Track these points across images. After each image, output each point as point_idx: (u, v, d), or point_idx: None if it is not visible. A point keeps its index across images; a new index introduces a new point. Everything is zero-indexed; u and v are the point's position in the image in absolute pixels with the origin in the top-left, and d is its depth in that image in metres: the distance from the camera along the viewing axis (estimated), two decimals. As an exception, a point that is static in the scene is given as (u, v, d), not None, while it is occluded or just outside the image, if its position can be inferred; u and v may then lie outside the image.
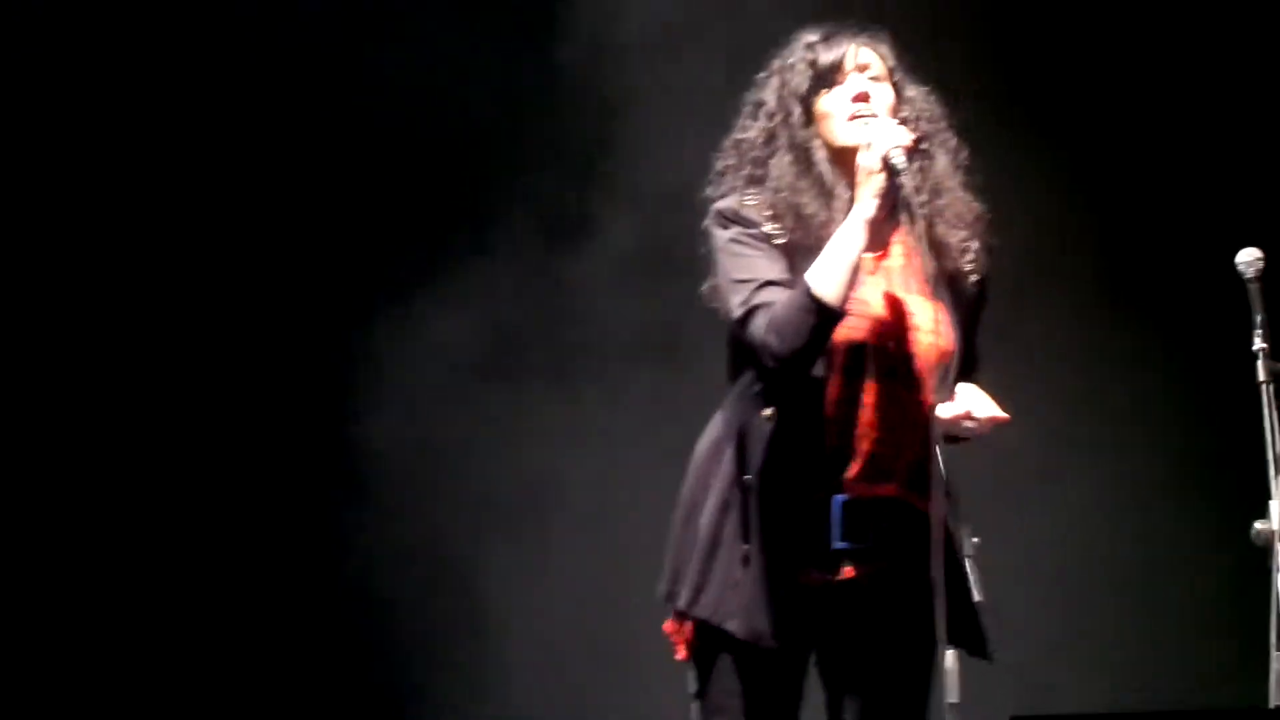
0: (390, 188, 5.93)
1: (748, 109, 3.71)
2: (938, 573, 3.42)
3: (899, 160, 3.46)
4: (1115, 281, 5.98)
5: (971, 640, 3.61)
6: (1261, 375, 3.91)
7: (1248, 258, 4.01)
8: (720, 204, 3.65)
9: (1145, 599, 5.88)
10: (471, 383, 5.89)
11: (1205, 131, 5.94)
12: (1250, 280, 3.98)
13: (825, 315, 3.46)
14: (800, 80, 3.63)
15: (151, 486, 5.86)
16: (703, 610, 3.60)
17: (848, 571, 3.61)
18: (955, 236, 3.66)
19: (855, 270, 3.48)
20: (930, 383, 3.59)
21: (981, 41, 5.87)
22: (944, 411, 3.54)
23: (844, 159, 3.59)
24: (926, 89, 3.73)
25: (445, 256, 5.89)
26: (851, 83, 3.61)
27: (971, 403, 3.56)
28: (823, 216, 3.56)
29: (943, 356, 3.61)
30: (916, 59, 3.76)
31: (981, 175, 3.74)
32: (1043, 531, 5.82)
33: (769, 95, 3.66)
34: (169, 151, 5.86)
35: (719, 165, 3.72)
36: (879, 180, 3.47)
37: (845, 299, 3.48)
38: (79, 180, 5.85)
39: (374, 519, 5.91)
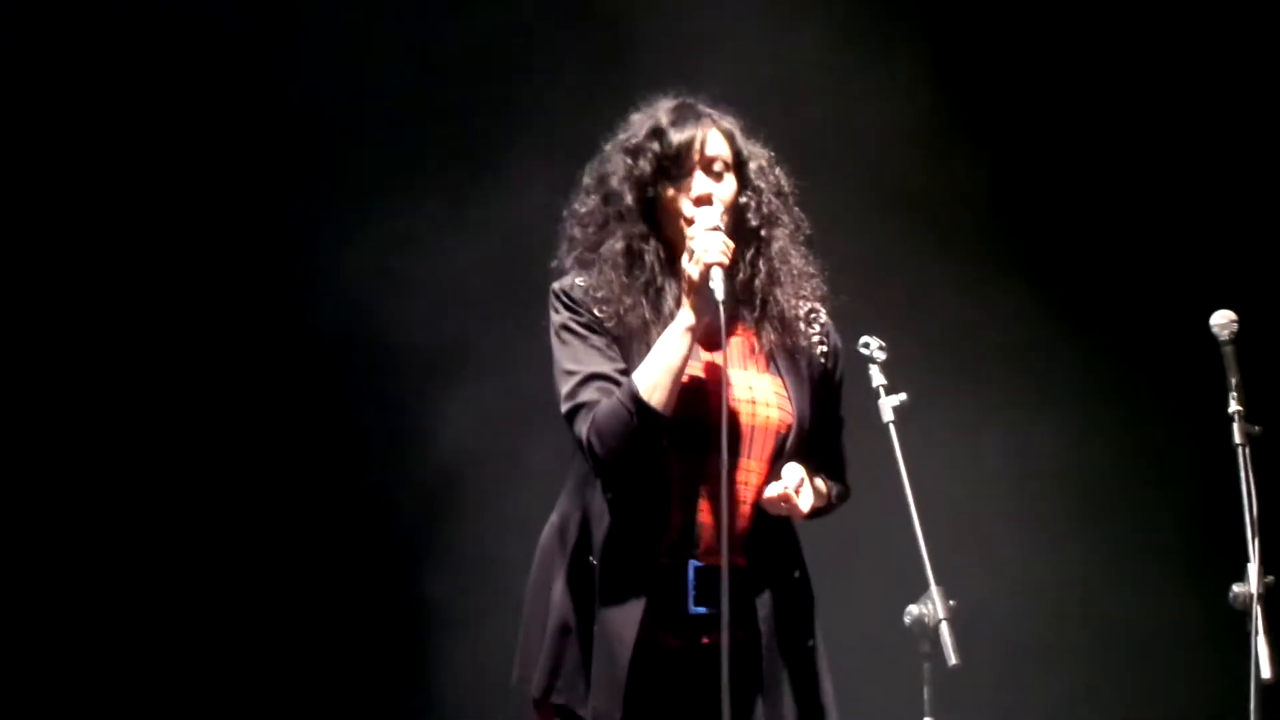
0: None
1: (592, 180, 3.73)
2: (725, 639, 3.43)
3: (717, 286, 3.50)
4: (1098, 343, 5.99)
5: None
6: (1237, 438, 3.90)
7: (1222, 320, 4.01)
8: (555, 284, 3.68)
9: (1127, 660, 5.87)
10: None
11: (1183, 199, 5.97)
12: (1224, 343, 3.98)
13: (647, 421, 3.49)
14: (645, 166, 3.64)
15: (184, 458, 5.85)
16: (558, 696, 3.60)
17: (708, 637, 3.57)
18: (795, 313, 3.69)
19: (679, 375, 3.51)
20: (771, 455, 3.63)
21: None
22: (767, 493, 3.58)
23: (677, 253, 3.62)
24: (771, 159, 3.75)
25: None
26: (696, 181, 3.63)
27: (790, 486, 3.58)
28: (647, 314, 3.60)
29: (783, 427, 3.64)
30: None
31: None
32: (1024, 590, 5.81)
33: (614, 175, 3.68)
34: (167, 124, 5.85)
35: (563, 232, 3.74)
36: (700, 293, 3.51)
37: (669, 404, 3.51)
38: (85, 179, 5.82)
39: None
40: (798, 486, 3.57)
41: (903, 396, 3.74)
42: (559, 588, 3.61)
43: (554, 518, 3.70)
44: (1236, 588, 3.83)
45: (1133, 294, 5.98)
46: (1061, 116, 6.00)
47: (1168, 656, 5.81)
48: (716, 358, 3.59)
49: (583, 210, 3.71)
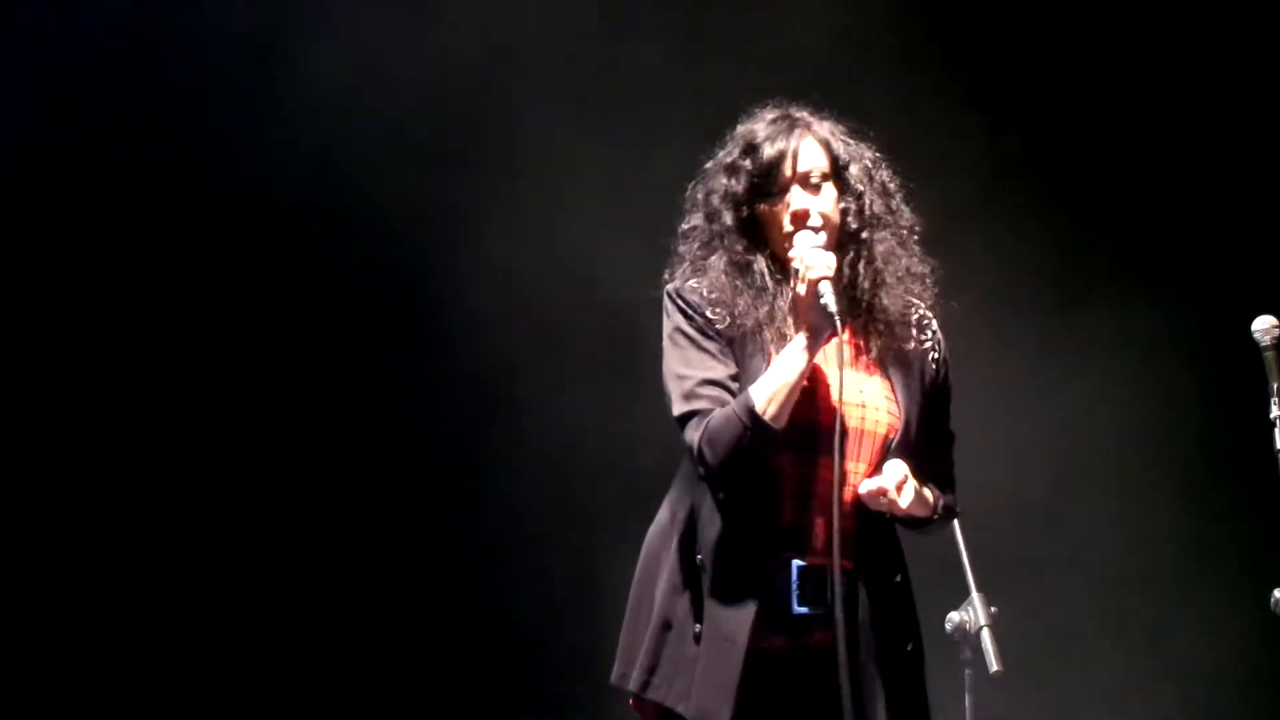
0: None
1: (695, 198, 3.73)
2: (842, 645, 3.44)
3: (829, 299, 3.50)
4: (1146, 346, 5.97)
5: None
6: (1278, 444, 3.89)
7: (1264, 325, 3.98)
8: (670, 286, 3.69)
9: (1167, 663, 5.85)
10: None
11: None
12: (1266, 348, 3.96)
13: (760, 434, 3.50)
14: (738, 185, 3.65)
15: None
16: (655, 693, 3.59)
17: (812, 638, 3.56)
18: (903, 314, 3.68)
19: (795, 391, 3.51)
20: (877, 458, 3.61)
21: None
22: (865, 486, 3.56)
23: (785, 263, 3.62)
24: (876, 159, 3.73)
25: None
26: (793, 196, 3.62)
27: (889, 480, 3.55)
28: (760, 316, 3.60)
29: (891, 431, 3.63)
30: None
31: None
32: (1063, 595, 5.81)
33: (715, 193, 3.68)
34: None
35: (673, 249, 3.74)
36: (813, 309, 3.51)
37: (784, 418, 3.51)
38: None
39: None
40: (899, 482, 3.56)
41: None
42: (664, 585, 3.62)
43: (662, 515, 3.70)
44: (1278, 593, 3.82)
45: (1179, 300, 5.94)
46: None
47: (1209, 661, 5.79)
48: (827, 364, 3.58)
49: (687, 227, 3.73)
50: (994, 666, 3.66)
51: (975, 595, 3.71)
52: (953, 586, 3.81)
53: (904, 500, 3.52)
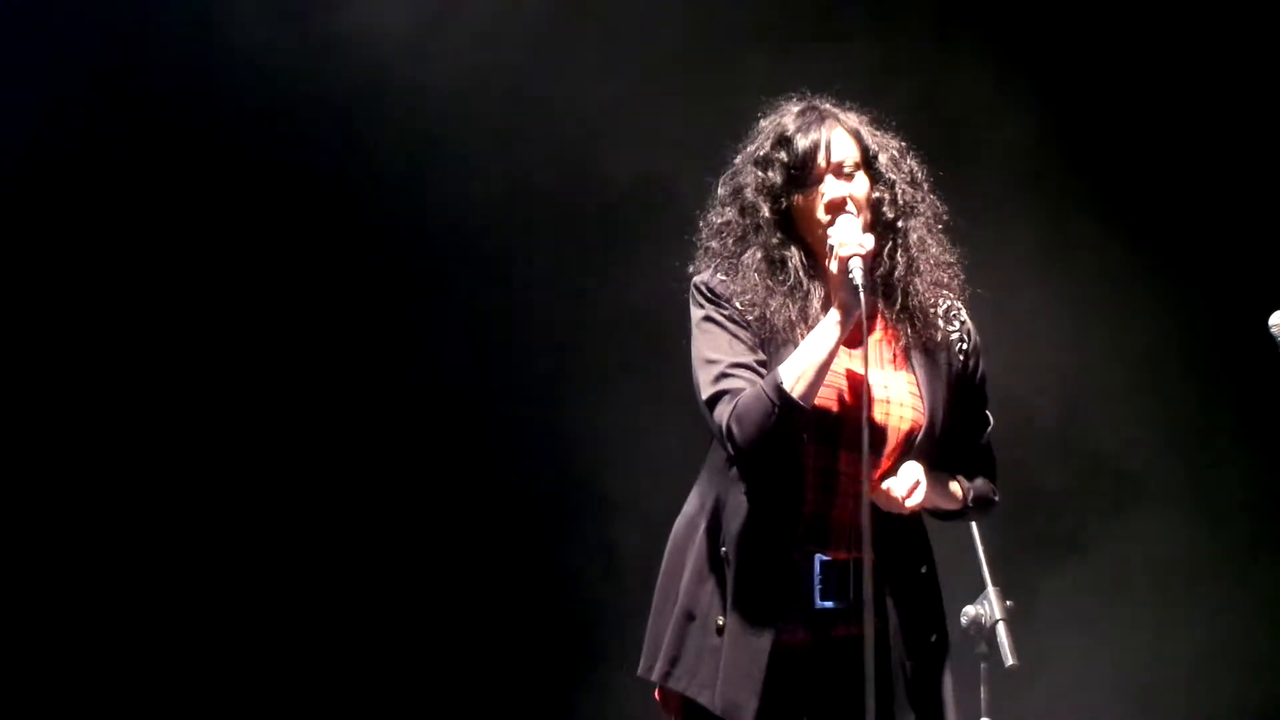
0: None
1: (726, 192, 3.74)
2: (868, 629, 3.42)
3: (856, 273, 3.51)
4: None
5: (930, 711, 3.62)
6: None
7: (1280, 320, 3.98)
8: (697, 278, 3.70)
9: (1183, 662, 5.86)
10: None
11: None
12: (1284, 343, 3.96)
13: (789, 411, 3.50)
14: (775, 177, 3.66)
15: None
16: (677, 682, 3.61)
17: (835, 632, 3.57)
18: (933, 305, 3.69)
19: (824, 369, 3.53)
20: (899, 453, 3.61)
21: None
22: (885, 486, 3.57)
23: (819, 256, 3.63)
24: (902, 148, 3.75)
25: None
26: (827, 185, 3.64)
27: (896, 486, 3.56)
28: (793, 315, 3.61)
29: (915, 427, 3.63)
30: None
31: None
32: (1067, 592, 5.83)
33: (748, 187, 3.70)
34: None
35: (700, 242, 3.75)
36: (844, 287, 3.52)
37: (812, 397, 3.52)
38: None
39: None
40: (907, 485, 3.56)
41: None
42: (688, 576, 3.64)
43: (689, 506, 3.72)
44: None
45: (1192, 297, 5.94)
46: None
47: (1216, 651, 5.80)
48: (856, 355, 3.59)
49: (719, 221, 3.73)
50: (1009, 661, 3.67)
51: (991, 589, 3.71)
52: (969, 580, 3.81)
53: (910, 503, 3.53)
